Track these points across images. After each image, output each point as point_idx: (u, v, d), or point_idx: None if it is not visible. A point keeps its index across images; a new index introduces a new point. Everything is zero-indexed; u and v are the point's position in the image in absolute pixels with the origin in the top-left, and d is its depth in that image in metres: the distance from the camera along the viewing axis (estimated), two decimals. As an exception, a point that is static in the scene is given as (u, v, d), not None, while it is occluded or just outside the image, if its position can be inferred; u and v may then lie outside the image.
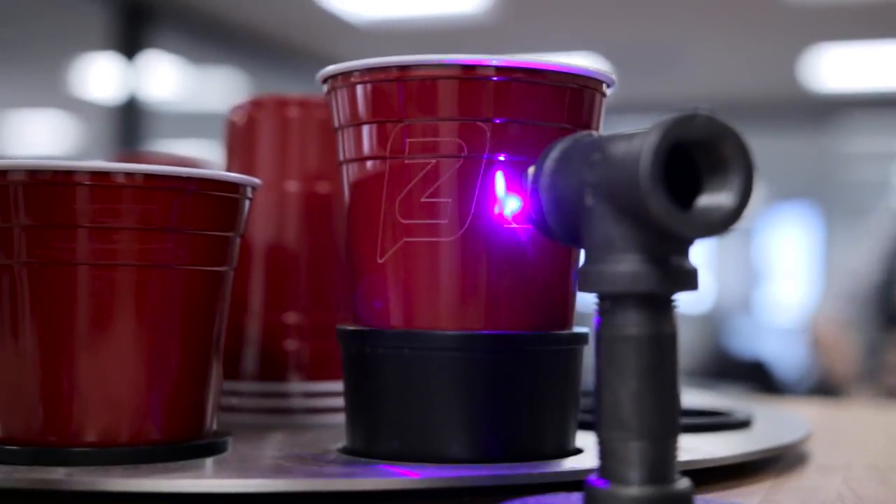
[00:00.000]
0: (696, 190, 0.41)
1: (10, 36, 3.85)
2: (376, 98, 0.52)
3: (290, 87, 3.90)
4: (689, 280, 0.41)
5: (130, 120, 3.86)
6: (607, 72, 0.53)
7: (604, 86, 0.54)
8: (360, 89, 0.52)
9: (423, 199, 0.51)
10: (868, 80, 4.77)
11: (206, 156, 1.03)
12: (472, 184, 0.50)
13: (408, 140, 0.51)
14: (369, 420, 0.52)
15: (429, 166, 0.51)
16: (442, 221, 0.50)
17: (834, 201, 5.28)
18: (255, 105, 0.70)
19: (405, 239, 0.51)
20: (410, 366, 0.51)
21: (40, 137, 4.70)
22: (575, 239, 0.45)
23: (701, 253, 0.42)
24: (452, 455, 0.50)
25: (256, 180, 0.55)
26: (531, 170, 0.47)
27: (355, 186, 0.53)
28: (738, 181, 0.40)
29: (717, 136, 0.40)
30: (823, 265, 5.21)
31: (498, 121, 0.50)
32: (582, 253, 0.43)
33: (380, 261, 0.52)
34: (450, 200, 0.50)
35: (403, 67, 0.51)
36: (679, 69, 4.65)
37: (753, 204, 0.41)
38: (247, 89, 4.60)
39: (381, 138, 0.52)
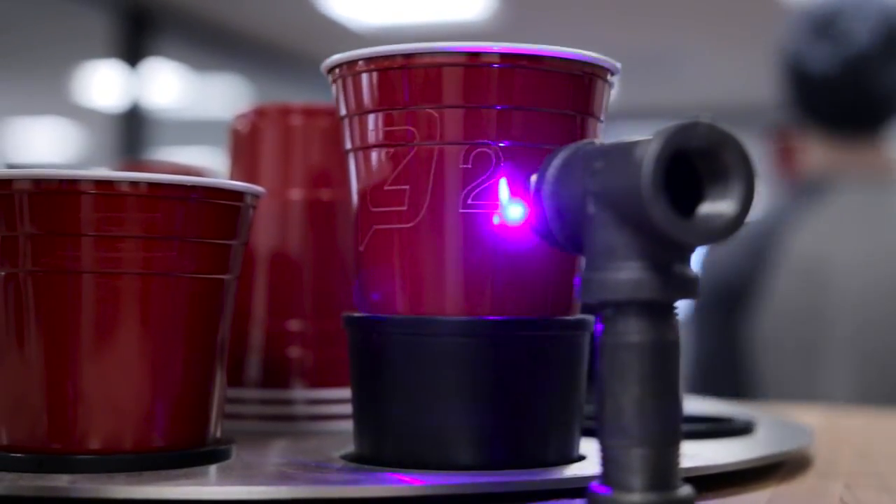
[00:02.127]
0: (698, 198, 0.41)
1: (13, 43, 3.86)
2: (345, 89, 0.53)
3: (294, 95, 3.90)
4: (690, 287, 0.42)
5: (133, 127, 3.86)
6: (611, 60, 0.53)
7: (608, 73, 0.54)
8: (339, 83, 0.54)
9: (386, 188, 0.52)
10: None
11: (210, 164, 1.04)
12: (425, 171, 0.51)
13: (372, 131, 0.52)
14: (374, 419, 0.52)
15: (387, 154, 0.52)
16: (401, 209, 0.51)
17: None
18: (259, 113, 0.70)
19: (374, 226, 0.52)
20: (378, 351, 0.52)
21: (43, 145, 4.71)
22: (577, 247, 0.45)
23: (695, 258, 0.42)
24: (456, 460, 0.50)
25: (260, 188, 0.55)
26: (533, 178, 0.47)
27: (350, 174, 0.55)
28: (739, 189, 0.40)
29: (719, 144, 0.40)
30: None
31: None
32: (584, 261, 0.43)
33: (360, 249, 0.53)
34: (407, 188, 0.51)
35: (356, 61, 0.52)
36: (681, 76, 4.66)
37: (754, 211, 0.41)
38: (250, 97, 4.61)
39: (348, 130, 0.54)
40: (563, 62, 0.51)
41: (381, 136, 0.52)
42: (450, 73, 0.50)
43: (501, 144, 0.50)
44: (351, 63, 0.53)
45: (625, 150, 0.41)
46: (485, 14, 3.96)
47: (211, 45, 4.27)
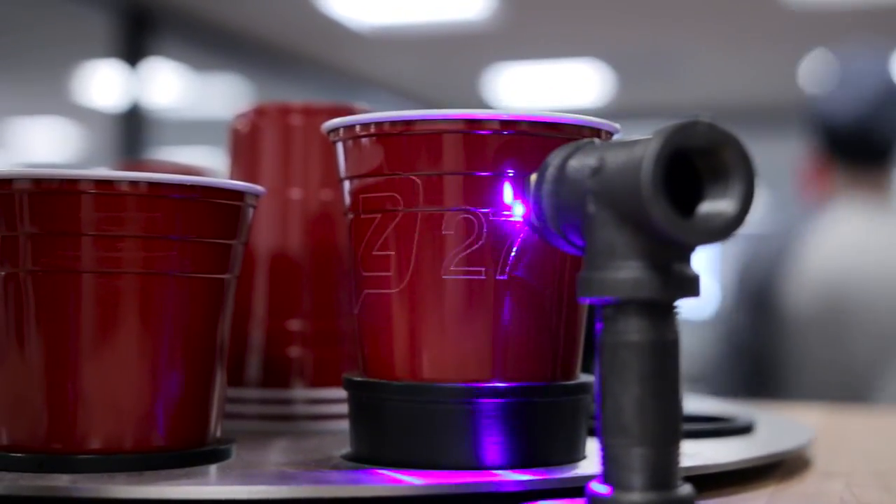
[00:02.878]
0: (698, 197, 0.41)
1: (13, 43, 3.86)
2: (341, 153, 0.54)
3: (294, 95, 3.91)
4: (691, 287, 0.42)
5: (133, 127, 3.86)
6: (610, 123, 0.53)
7: (606, 135, 0.53)
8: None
9: (374, 253, 0.52)
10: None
11: (210, 163, 1.04)
12: (409, 237, 0.51)
13: (361, 196, 0.53)
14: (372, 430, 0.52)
15: (375, 221, 0.52)
16: (387, 274, 0.51)
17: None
18: (259, 113, 0.70)
19: (365, 290, 0.53)
20: (373, 411, 0.52)
21: (43, 145, 4.71)
22: (577, 246, 0.45)
23: (704, 259, 0.42)
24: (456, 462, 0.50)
25: (260, 188, 0.55)
26: (533, 177, 0.47)
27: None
28: (739, 188, 0.41)
29: (719, 144, 0.40)
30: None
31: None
32: (584, 260, 0.43)
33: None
34: (392, 254, 0.51)
35: (352, 126, 0.52)
36: (681, 76, 4.66)
37: (755, 210, 0.41)
38: (250, 97, 4.61)
39: (344, 193, 0.54)
40: (547, 126, 0.50)
41: (368, 201, 0.52)
42: (431, 140, 0.50)
43: (485, 210, 0.50)
44: (346, 128, 0.53)
45: (625, 150, 0.41)
46: (485, 14, 3.96)
47: (211, 44, 4.27)
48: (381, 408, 0.51)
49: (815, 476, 0.60)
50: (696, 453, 0.55)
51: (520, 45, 4.38)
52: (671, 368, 0.41)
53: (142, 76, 3.89)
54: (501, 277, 0.50)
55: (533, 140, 0.50)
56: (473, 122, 0.50)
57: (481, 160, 0.50)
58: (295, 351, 0.67)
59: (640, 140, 0.40)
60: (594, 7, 3.94)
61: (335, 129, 0.54)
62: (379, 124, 0.52)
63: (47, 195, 0.49)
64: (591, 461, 0.53)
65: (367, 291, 0.52)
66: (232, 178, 0.69)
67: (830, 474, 0.61)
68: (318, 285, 0.68)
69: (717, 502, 0.52)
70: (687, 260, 0.42)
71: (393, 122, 0.51)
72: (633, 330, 0.41)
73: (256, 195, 0.55)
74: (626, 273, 0.41)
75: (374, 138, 0.52)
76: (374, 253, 0.52)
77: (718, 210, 0.41)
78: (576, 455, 0.52)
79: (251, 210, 0.55)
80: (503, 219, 0.50)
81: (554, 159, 0.46)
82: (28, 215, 0.50)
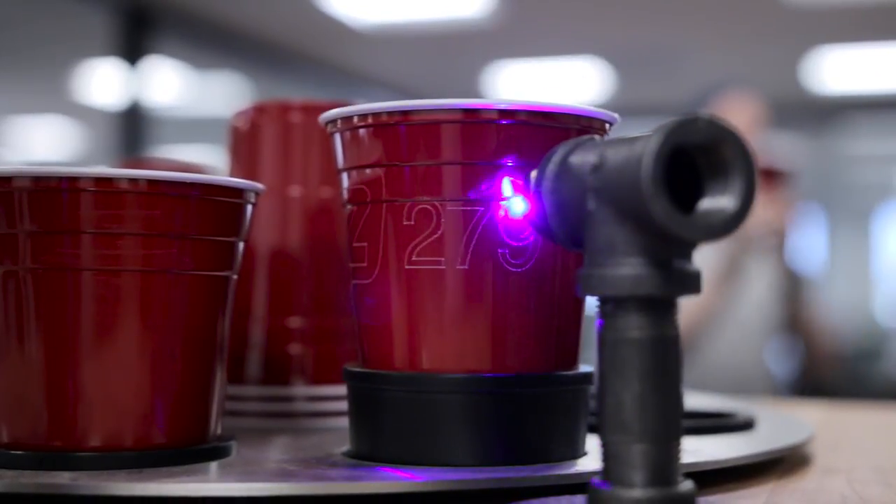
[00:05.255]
0: (698, 193, 0.41)
1: (13, 41, 3.86)
2: (335, 145, 0.55)
3: (293, 92, 3.91)
4: (691, 283, 0.42)
5: (133, 125, 3.86)
6: (610, 112, 0.53)
7: (607, 125, 0.53)
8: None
9: (354, 244, 0.53)
10: (871, 82, 4.77)
11: (210, 161, 1.04)
12: (377, 228, 0.51)
13: (344, 189, 0.54)
14: (372, 427, 0.52)
15: (354, 212, 0.53)
16: (363, 265, 0.52)
17: (837, 204, 5.28)
18: (259, 110, 0.70)
19: (353, 281, 0.54)
20: (366, 399, 0.52)
21: (43, 143, 4.71)
22: (577, 243, 0.45)
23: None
24: (456, 459, 0.50)
25: (260, 185, 0.55)
26: (534, 174, 0.47)
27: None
28: (739, 184, 0.40)
29: (719, 140, 0.40)
30: (826, 267, 5.20)
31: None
32: (585, 256, 0.43)
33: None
34: (366, 245, 0.52)
35: (349, 117, 0.53)
36: (681, 72, 4.65)
37: (754, 207, 0.41)
38: (250, 94, 4.61)
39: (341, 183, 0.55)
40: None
41: (349, 193, 0.54)
42: (389, 133, 0.51)
43: (442, 200, 0.50)
44: (342, 119, 0.53)
45: (625, 146, 0.41)
46: (484, 11, 3.96)
47: (211, 42, 4.27)
48: (375, 398, 0.52)
49: (816, 472, 0.60)
50: (696, 450, 0.55)
51: (519, 42, 4.38)
52: (672, 365, 0.41)
53: (142, 74, 3.89)
54: (461, 267, 0.50)
55: (497, 128, 0.50)
56: (411, 113, 0.50)
57: (430, 151, 0.50)
58: (295, 348, 0.67)
59: (641, 137, 0.40)
60: (594, 4, 3.94)
61: (339, 119, 0.54)
62: (347, 118, 0.52)
63: (47, 193, 0.49)
64: (591, 457, 0.53)
65: (353, 282, 0.54)
66: (232, 176, 0.69)
67: (831, 470, 0.61)
68: (318, 283, 0.68)
69: (718, 499, 0.52)
70: (687, 256, 0.42)
71: (362, 115, 0.52)
72: (633, 326, 0.41)
73: (256, 192, 0.55)
74: (627, 270, 0.41)
75: (349, 132, 0.53)
76: (354, 244, 0.53)
77: (719, 206, 0.41)
78: (572, 448, 0.52)
79: (251, 207, 0.55)
80: (461, 208, 0.50)
81: (554, 156, 0.46)
82: (28, 213, 0.50)
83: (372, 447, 0.52)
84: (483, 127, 0.50)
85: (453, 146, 0.50)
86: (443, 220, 0.50)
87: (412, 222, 0.51)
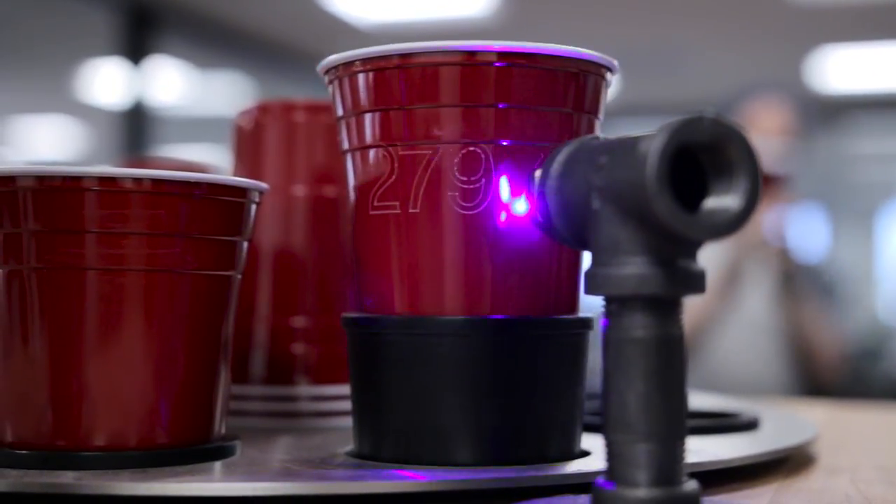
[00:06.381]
0: (703, 192, 0.41)
1: (16, 41, 3.86)
2: (341, 91, 0.54)
3: (296, 91, 3.90)
4: (695, 282, 0.41)
5: (137, 125, 3.86)
6: (608, 57, 0.53)
7: (605, 71, 0.53)
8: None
9: (342, 192, 0.56)
10: (874, 81, 4.76)
11: (213, 160, 1.04)
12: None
13: (344, 133, 0.55)
14: (373, 414, 0.52)
15: (341, 161, 0.55)
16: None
17: (840, 202, 5.28)
18: (262, 109, 0.70)
19: (371, 226, 0.54)
20: (365, 345, 0.53)
21: (47, 142, 4.71)
22: (582, 242, 0.45)
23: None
24: (459, 458, 0.50)
25: (264, 184, 0.55)
26: (538, 173, 0.47)
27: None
28: (744, 183, 0.40)
29: (723, 139, 0.40)
30: (828, 265, 5.20)
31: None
32: (589, 256, 0.43)
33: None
34: (346, 192, 0.54)
35: (352, 62, 0.52)
36: (685, 71, 4.65)
37: (759, 206, 0.41)
38: (253, 93, 4.61)
39: (344, 131, 0.55)
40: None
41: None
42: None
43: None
44: (346, 64, 0.53)
45: (629, 145, 0.41)
46: (487, 10, 3.96)
47: (214, 42, 4.27)
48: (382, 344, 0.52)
49: (820, 472, 0.60)
50: (700, 449, 0.55)
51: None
52: (676, 364, 0.41)
53: (145, 73, 3.89)
54: (413, 211, 0.50)
55: (549, 74, 0.51)
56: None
57: (380, 95, 0.51)
58: (299, 348, 0.67)
59: (645, 135, 0.40)
60: (597, 3, 3.94)
61: (341, 65, 0.53)
62: (326, 66, 0.54)
63: (51, 192, 0.49)
64: (595, 457, 0.53)
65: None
66: (235, 175, 0.69)
67: (835, 470, 0.61)
68: (322, 282, 0.68)
69: (722, 498, 0.52)
70: (692, 256, 0.42)
71: (333, 65, 0.53)
72: (637, 326, 0.41)
73: (260, 192, 0.55)
74: (631, 269, 0.41)
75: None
76: (342, 192, 0.54)
77: (723, 205, 0.40)
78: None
79: (255, 206, 0.55)
80: (412, 152, 0.50)
81: (558, 155, 0.46)
82: (32, 212, 0.50)
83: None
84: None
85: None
86: (396, 165, 0.51)
87: (372, 169, 0.52)
